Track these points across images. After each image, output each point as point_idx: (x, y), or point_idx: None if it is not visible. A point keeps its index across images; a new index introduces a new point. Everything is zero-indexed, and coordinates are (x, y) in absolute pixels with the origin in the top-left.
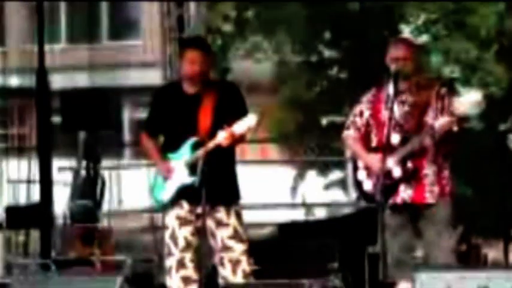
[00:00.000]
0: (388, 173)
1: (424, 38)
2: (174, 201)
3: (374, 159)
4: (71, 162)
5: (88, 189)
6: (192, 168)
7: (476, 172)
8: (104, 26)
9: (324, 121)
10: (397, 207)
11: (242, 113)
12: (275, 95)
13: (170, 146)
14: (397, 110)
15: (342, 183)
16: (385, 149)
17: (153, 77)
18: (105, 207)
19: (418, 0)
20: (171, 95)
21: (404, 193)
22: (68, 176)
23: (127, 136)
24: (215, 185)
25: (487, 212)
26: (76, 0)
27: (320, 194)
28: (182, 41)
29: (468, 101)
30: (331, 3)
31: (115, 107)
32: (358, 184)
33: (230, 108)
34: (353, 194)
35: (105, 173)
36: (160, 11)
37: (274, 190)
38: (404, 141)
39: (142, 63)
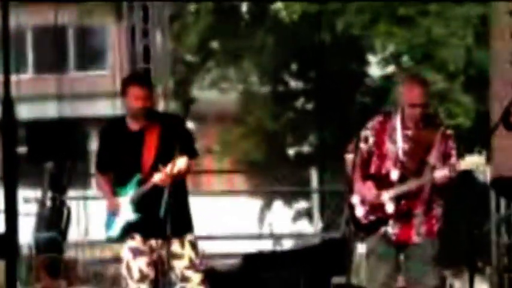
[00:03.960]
0: (381, 207)
1: (391, 69)
2: (120, 238)
3: (368, 190)
4: (36, 193)
5: (54, 219)
6: (136, 205)
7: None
8: (71, 56)
9: (291, 151)
10: (385, 237)
11: (186, 145)
12: (241, 125)
13: (119, 182)
14: (401, 146)
15: (308, 214)
16: (380, 181)
17: (121, 107)
18: (72, 237)
19: None
20: (116, 131)
21: (392, 229)
22: (33, 207)
23: (93, 167)
24: (154, 221)
25: (453, 243)
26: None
27: (287, 224)
28: (124, 79)
29: (472, 161)
30: (298, 34)
31: (82, 137)
32: (351, 207)
33: (174, 141)
34: (319, 224)
35: (72, 204)
36: (127, 41)
37: (241, 220)
38: (402, 178)
39: (109, 93)
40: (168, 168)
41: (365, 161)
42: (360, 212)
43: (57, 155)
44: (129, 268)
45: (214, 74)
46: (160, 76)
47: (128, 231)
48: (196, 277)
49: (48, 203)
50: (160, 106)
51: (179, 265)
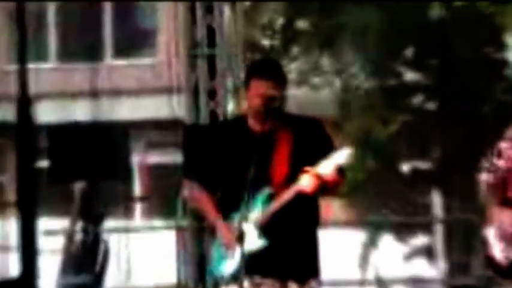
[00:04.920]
0: None
1: None
2: (240, 274)
3: (507, 220)
4: (63, 223)
5: (86, 259)
6: (264, 229)
7: None
8: (107, 39)
9: (405, 168)
10: None
11: (327, 155)
12: (338, 133)
13: (232, 202)
14: None
15: (428, 252)
16: None
17: (176, 108)
18: (110, 283)
19: None
20: (232, 134)
21: None
22: (59, 242)
23: (138, 187)
24: (287, 254)
25: None
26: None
27: (398, 266)
28: (248, 69)
29: None
30: (413, 10)
31: (123, 148)
32: (485, 243)
33: (313, 152)
34: (443, 266)
35: (109, 238)
36: (184, 20)
37: (338, 260)
38: None
39: (158, 89)
40: (322, 167)
41: (503, 182)
42: (497, 249)
43: (90, 171)
44: None
45: (301, 63)
46: (229, 66)
47: (250, 266)
48: None
49: (79, 236)
50: (229, 107)
51: None
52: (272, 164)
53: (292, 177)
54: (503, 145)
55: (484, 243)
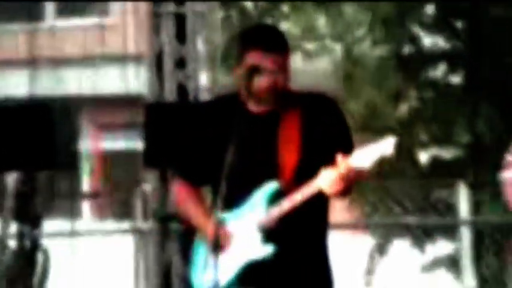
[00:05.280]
0: None
1: None
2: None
3: None
4: None
5: (21, 270)
6: (270, 232)
7: None
8: None
9: (423, 157)
10: None
11: (345, 142)
12: None
13: (226, 200)
14: None
15: (452, 262)
16: None
17: (133, 81)
18: None
19: None
20: (224, 116)
21: None
22: None
23: (87, 180)
24: (298, 264)
25: None
26: None
27: (415, 278)
28: (241, 37)
29: None
30: None
31: (67, 130)
32: None
33: (326, 136)
34: (470, 280)
35: (51, 243)
36: None
37: (338, 271)
38: None
39: (113, 56)
40: (358, 158)
41: None
42: None
43: (26, 159)
44: None
45: (291, 25)
46: (203, 30)
47: (248, 279)
48: None
49: (12, 243)
50: (203, 78)
51: None
52: (278, 152)
53: (304, 169)
54: None
55: None
